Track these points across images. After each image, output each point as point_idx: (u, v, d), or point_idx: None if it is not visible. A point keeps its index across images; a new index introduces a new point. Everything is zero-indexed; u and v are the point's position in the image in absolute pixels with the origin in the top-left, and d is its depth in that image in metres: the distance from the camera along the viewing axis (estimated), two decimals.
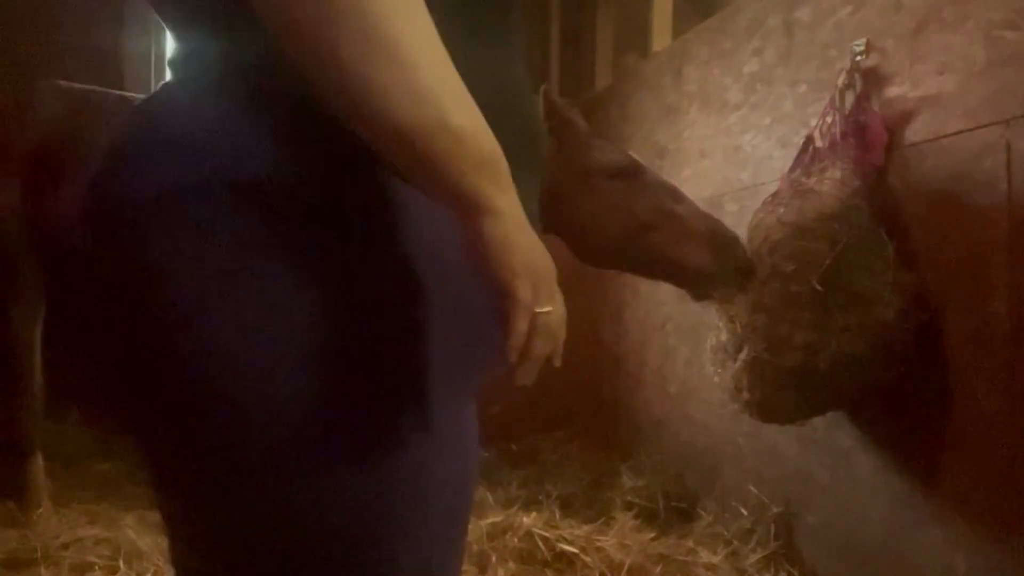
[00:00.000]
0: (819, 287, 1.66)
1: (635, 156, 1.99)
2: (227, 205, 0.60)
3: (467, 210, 0.59)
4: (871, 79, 1.84)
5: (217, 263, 0.60)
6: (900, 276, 1.67)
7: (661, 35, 3.56)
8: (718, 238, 1.88)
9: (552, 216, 1.85)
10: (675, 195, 1.95)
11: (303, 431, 0.61)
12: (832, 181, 1.80)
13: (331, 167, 0.63)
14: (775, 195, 1.94)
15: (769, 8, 2.32)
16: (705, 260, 1.88)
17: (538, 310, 0.62)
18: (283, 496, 0.62)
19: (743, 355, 1.78)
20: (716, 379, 1.92)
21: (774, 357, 1.71)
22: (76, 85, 2.44)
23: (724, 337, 1.87)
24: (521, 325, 0.61)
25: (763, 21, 2.35)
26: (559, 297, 0.66)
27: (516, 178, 0.66)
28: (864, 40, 1.86)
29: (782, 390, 1.74)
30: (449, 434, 0.69)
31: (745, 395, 1.80)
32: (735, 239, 1.88)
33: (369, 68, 0.53)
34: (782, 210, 1.85)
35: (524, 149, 0.73)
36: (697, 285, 1.93)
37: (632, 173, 1.93)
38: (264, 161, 0.61)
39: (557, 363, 0.67)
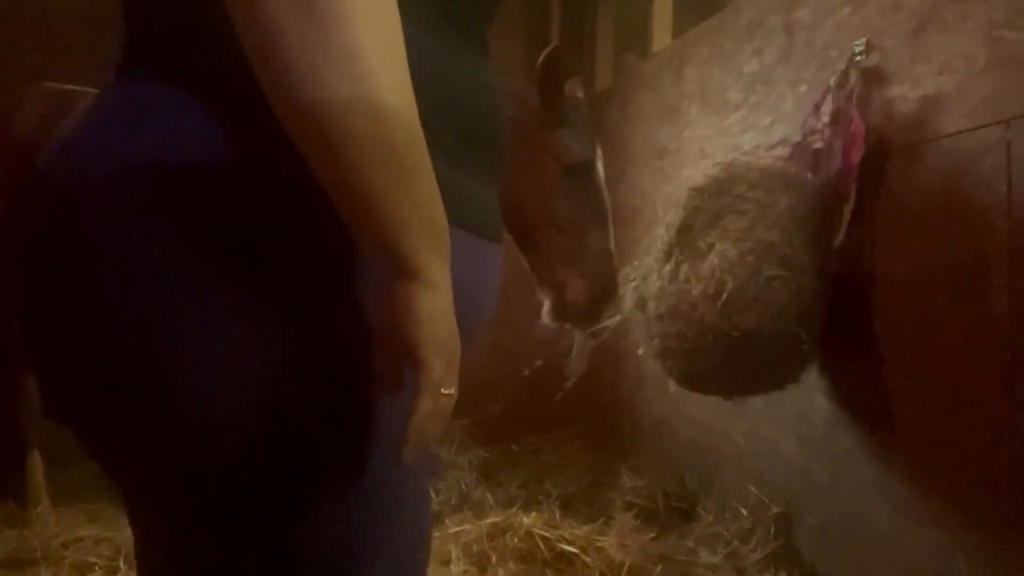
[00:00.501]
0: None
1: (595, 159, 1.96)
2: (162, 196, 0.57)
3: (397, 272, 0.56)
4: (871, 79, 1.84)
5: (150, 256, 0.57)
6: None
7: (661, 35, 3.55)
8: (601, 286, 1.86)
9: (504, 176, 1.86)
10: (600, 219, 1.92)
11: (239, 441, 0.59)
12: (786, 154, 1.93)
13: (273, 164, 0.59)
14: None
15: (769, 8, 2.32)
16: (576, 293, 1.85)
17: (444, 391, 0.59)
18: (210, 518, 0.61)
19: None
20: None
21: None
22: (64, 86, 2.43)
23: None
24: (428, 404, 0.58)
25: (763, 21, 2.35)
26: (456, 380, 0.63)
27: (466, 174, 0.63)
28: (864, 40, 1.86)
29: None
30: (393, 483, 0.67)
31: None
32: (610, 299, 1.89)
33: (294, 22, 0.49)
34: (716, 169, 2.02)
35: (476, 147, 0.71)
36: (555, 303, 1.93)
37: (580, 176, 1.91)
38: (200, 151, 0.58)
39: (431, 446, 0.63)
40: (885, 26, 1.82)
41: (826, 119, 1.89)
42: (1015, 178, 1.49)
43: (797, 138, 2.02)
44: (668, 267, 1.92)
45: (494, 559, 2.11)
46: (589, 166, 1.93)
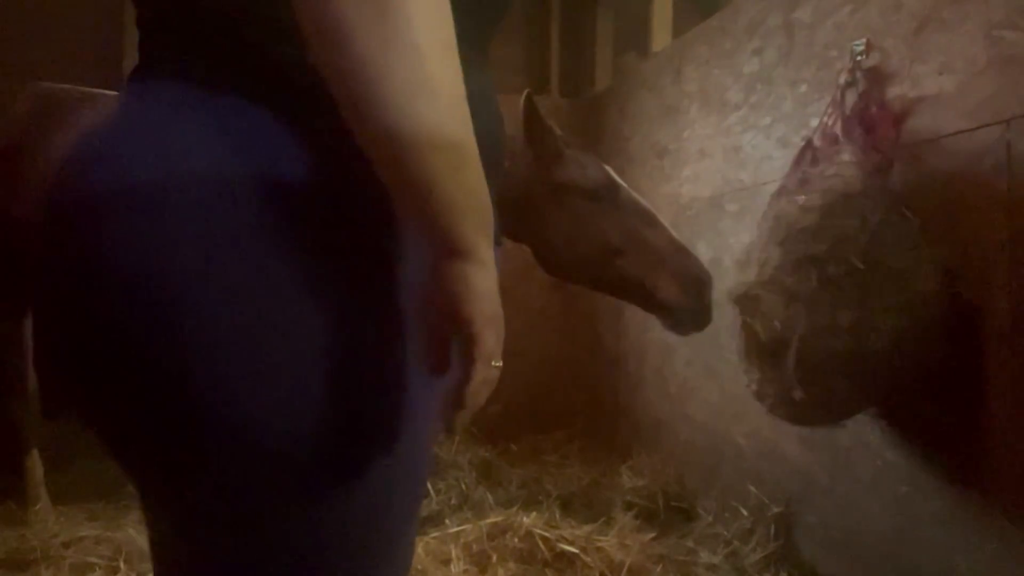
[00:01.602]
0: (859, 264, 1.58)
1: (611, 174, 1.95)
2: (200, 204, 0.59)
3: (450, 252, 0.60)
4: (871, 79, 1.84)
5: (188, 262, 0.59)
6: (930, 251, 1.62)
7: (661, 35, 3.56)
8: (690, 275, 1.85)
9: (518, 225, 1.83)
10: (650, 220, 1.91)
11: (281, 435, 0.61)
12: (848, 163, 1.75)
13: (320, 172, 0.63)
14: (781, 192, 1.89)
15: (769, 8, 2.32)
16: (672, 294, 1.85)
17: (493, 363, 0.63)
18: (265, 508, 0.63)
19: (791, 350, 1.66)
20: (754, 387, 1.80)
21: (824, 343, 1.61)
22: (58, 86, 2.42)
23: (762, 339, 1.74)
24: (481, 373, 0.62)
25: (763, 21, 2.36)
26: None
27: None
28: (864, 40, 1.86)
29: (836, 379, 1.64)
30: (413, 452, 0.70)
31: (799, 394, 1.68)
32: (707, 283, 1.85)
33: (387, 58, 0.54)
34: (803, 198, 1.77)
35: (483, 156, 0.73)
36: (663, 316, 1.92)
37: (607, 194, 1.90)
38: (261, 156, 0.61)
39: (466, 420, 0.66)
40: (885, 26, 1.82)
41: (839, 123, 1.86)
42: (1015, 178, 1.49)
43: (817, 142, 1.95)
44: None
45: (494, 559, 2.11)
46: (610, 184, 1.92)
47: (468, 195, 0.60)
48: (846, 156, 1.77)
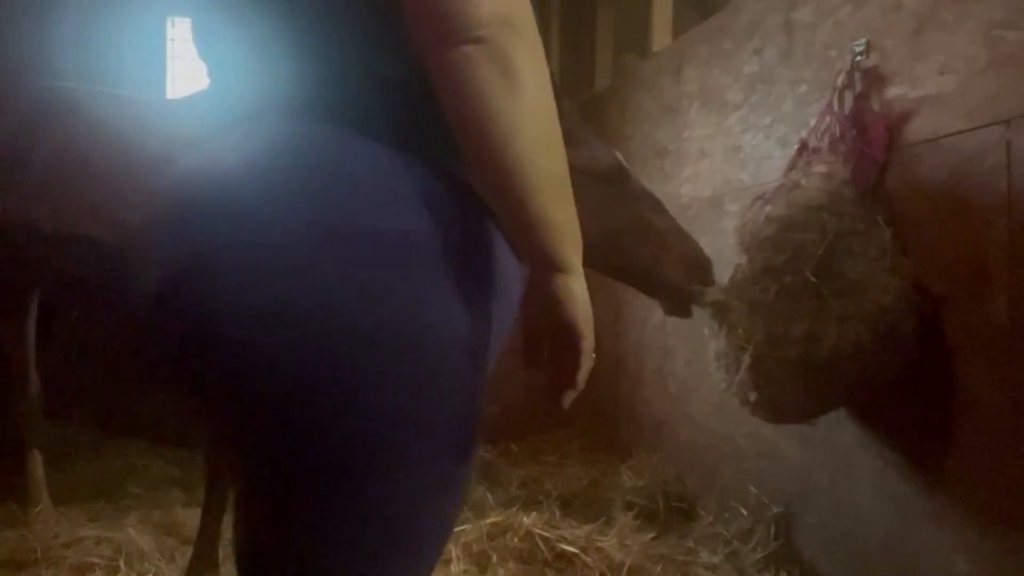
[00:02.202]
0: (812, 277, 1.66)
1: (621, 159, 1.97)
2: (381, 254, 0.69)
3: (556, 268, 0.73)
4: (871, 79, 1.84)
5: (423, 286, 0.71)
6: (897, 261, 1.66)
7: (661, 35, 3.55)
8: (694, 260, 1.88)
9: None
10: (656, 207, 1.95)
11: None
12: (817, 175, 1.80)
13: (460, 223, 0.75)
14: (763, 195, 1.94)
15: (769, 8, 2.32)
16: (677, 278, 1.88)
17: (592, 355, 0.77)
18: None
19: (746, 357, 1.77)
20: (724, 385, 1.90)
21: (775, 352, 1.70)
22: (55, 85, 2.41)
23: (724, 343, 1.86)
24: (587, 363, 0.76)
25: (763, 21, 2.36)
26: None
27: None
28: (864, 40, 1.86)
29: (788, 385, 1.73)
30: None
31: (753, 396, 1.79)
32: (709, 265, 1.88)
33: (535, 156, 0.69)
34: (769, 207, 1.85)
35: None
36: (667, 300, 1.94)
37: (617, 178, 1.91)
38: (414, 216, 0.71)
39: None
40: (885, 26, 1.82)
41: (836, 125, 1.87)
42: (1015, 178, 1.49)
43: (814, 143, 1.97)
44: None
45: (494, 559, 2.10)
46: (620, 167, 1.94)
47: (569, 222, 0.74)
48: (820, 167, 1.81)
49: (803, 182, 1.82)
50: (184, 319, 0.69)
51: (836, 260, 1.67)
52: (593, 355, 0.77)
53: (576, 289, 0.74)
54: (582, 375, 0.76)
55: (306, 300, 0.66)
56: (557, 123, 0.73)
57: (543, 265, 0.73)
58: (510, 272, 0.80)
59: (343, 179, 0.69)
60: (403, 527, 0.73)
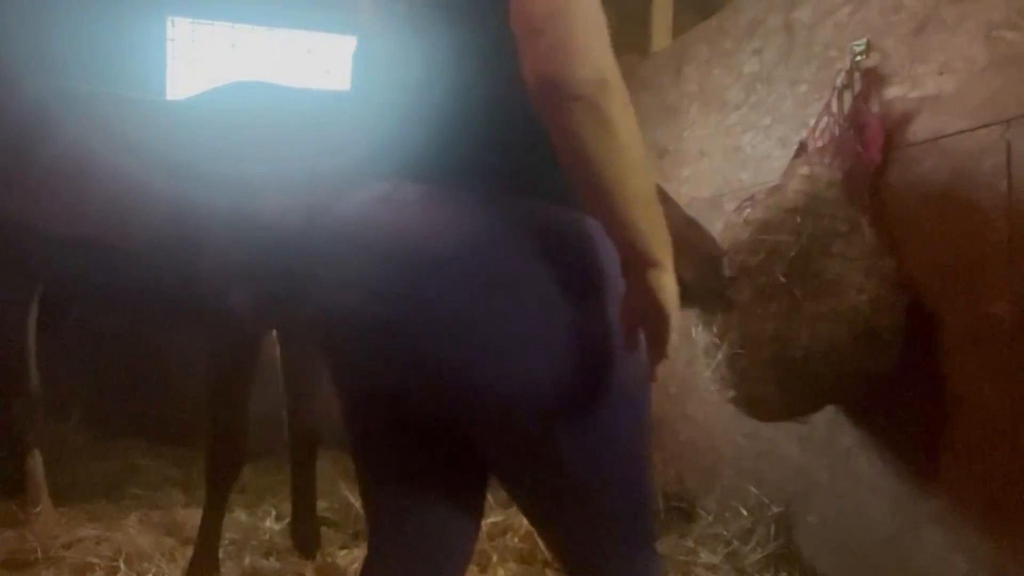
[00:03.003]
0: (783, 278, 1.69)
1: None
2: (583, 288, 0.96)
3: (649, 264, 0.90)
4: (871, 79, 1.84)
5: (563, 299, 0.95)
6: (876, 262, 1.67)
7: (661, 35, 3.55)
8: (702, 251, 1.82)
9: None
10: (660, 195, 1.92)
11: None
12: (800, 177, 1.81)
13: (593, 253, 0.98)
14: (751, 197, 1.95)
15: (769, 8, 2.32)
16: (683, 269, 1.84)
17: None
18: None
19: (720, 353, 1.83)
20: (708, 375, 1.96)
21: (749, 351, 1.75)
22: (54, 84, 2.41)
23: (705, 339, 1.91)
24: (672, 339, 0.93)
25: (763, 21, 2.36)
26: None
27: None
28: (864, 40, 1.86)
29: (762, 384, 1.76)
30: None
31: (730, 392, 1.86)
32: (720, 258, 1.84)
33: (628, 180, 0.90)
34: (748, 210, 1.87)
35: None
36: (685, 295, 1.91)
37: None
38: (585, 247, 0.97)
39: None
40: (885, 26, 1.83)
41: (835, 125, 1.88)
42: (1015, 178, 1.49)
43: (816, 143, 1.96)
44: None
45: (494, 559, 2.11)
46: None
47: (657, 228, 0.91)
48: (803, 170, 1.82)
49: (781, 184, 1.84)
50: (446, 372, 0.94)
51: (813, 261, 1.70)
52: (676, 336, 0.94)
53: (667, 281, 0.91)
54: (667, 351, 0.94)
55: (525, 328, 0.93)
56: (643, 155, 0.94)
57: (639, 262, 0.90)
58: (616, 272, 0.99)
59: (544, 235, 0.95)
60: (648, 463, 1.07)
